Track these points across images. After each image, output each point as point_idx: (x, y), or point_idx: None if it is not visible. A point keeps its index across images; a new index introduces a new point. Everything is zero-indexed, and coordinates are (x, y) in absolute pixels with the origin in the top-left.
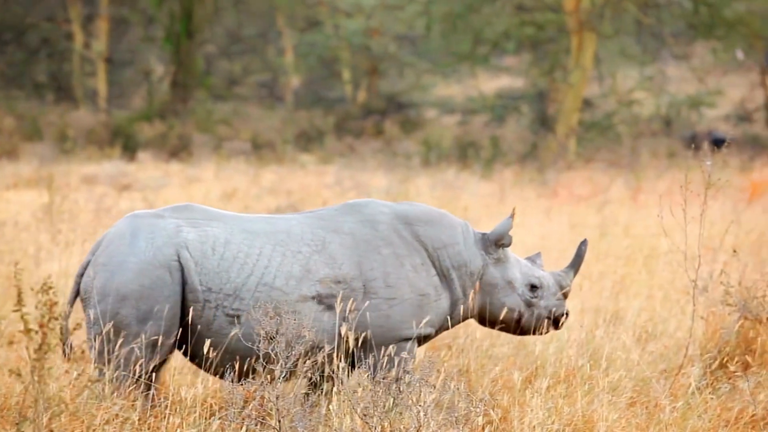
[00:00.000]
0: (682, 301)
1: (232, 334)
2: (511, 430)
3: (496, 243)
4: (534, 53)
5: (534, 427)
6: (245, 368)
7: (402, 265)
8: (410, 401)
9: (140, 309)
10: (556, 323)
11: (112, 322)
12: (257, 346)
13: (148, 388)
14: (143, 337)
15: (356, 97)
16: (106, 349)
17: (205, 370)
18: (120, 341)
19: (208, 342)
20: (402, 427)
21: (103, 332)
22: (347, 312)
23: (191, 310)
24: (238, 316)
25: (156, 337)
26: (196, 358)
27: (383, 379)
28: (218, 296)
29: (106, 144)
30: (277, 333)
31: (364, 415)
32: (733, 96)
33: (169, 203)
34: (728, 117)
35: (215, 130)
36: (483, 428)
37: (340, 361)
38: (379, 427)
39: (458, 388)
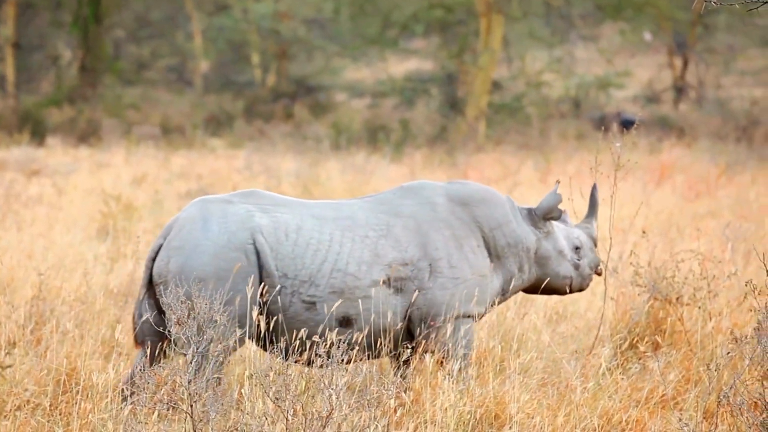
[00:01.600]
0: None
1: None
2: (423, 412)
3: (544, 217)
4: (443, 36)
5: (446, 408)
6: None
7: (461, 246)
8: (322, 384)
9: (217, 291)
10: (592, 276)
11: (190, 306)
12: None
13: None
14: (220, 319)
15: (266, 81)
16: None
17: (276, 355)
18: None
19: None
20: (314, 410)
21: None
22: (415, 293)
23: (267, 294)
24: (314, 303)
25: (239, 319)
26: (267, 342)
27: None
28: (294, 282)
29: (14, 129)
30: (188, 317)
31: (276, 399)
32: (641, 77)
33: (79, 189)
34: (636, 98)
35: (124, 115)
36: (395, 411)
37: (252, 343)
38: (292, 410)
39: (370, 371)
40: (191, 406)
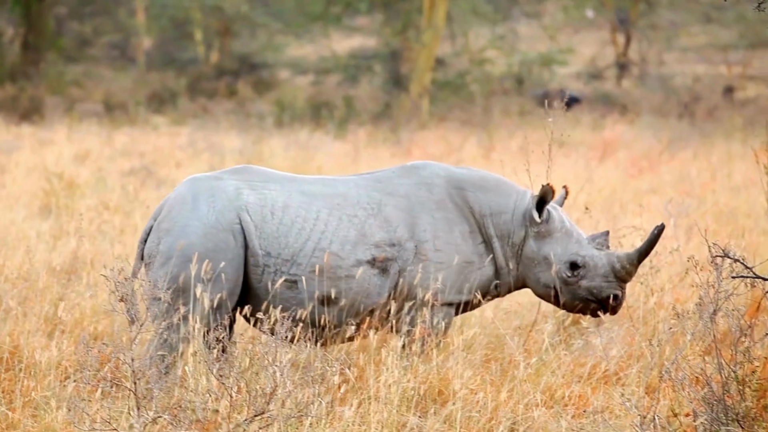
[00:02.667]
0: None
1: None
2: (367, 388)
3: (525, 217)
4: (386, 13)
5: (390, 385)
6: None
7: (451, 230)
8: (266, 361)
9: (202, 270)
10: (604, 306)
11: (178, 286)
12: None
13: (223, 350)
14: (206, 298)
15: (209, 58)
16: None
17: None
18: (179, 303)
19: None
20: (258, 387)
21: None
22: (399, 274)
23: (251, 274)
24: (296, 281)
25: (219, 300)
26: (256, 321)
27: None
28: (277, 261)
29: None
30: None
31: (220, 376)
32: (584, 54)
33: (21, 166)
34: (580, 75)
35: (67, 92)
36: (339, 387)
37: (196, 322)
38: (236, 387)
39: (314, 348)
40: (135, 383)
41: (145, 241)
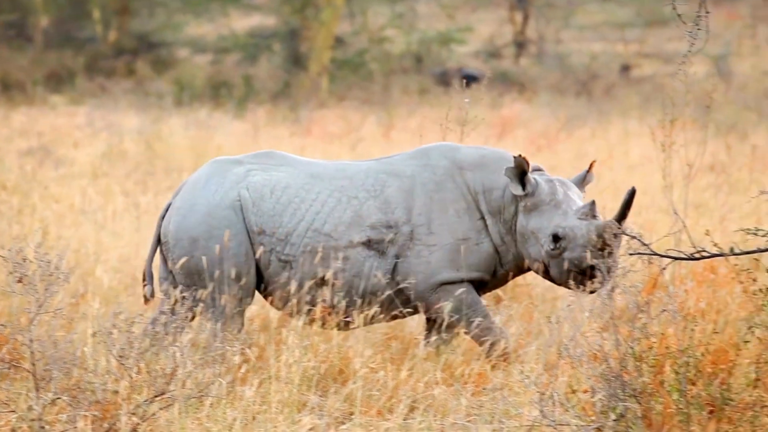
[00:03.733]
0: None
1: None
2: (268, 368)
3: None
4: None
5: (290, 364)
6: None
7: (446, 210)
8: (166, 342)
9: (210, 249)
10: (587, 276)
11: (188, 265)
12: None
13: (240, 326)
14: (218, 276)
15: (107, 37)
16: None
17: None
18: (197, 282)
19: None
20: (158, 367)
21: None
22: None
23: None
24: (289, 261)
25: (233, 277)
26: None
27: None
28: (271, 240)
29: None
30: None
31: (120, 357)
32: (482, 32)
33: None
34: (478, 53)
35: None
36: (240, 367)
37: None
38: (136, 368)
39: (215, 328)
40: (33, 364)
41: (163, 218)
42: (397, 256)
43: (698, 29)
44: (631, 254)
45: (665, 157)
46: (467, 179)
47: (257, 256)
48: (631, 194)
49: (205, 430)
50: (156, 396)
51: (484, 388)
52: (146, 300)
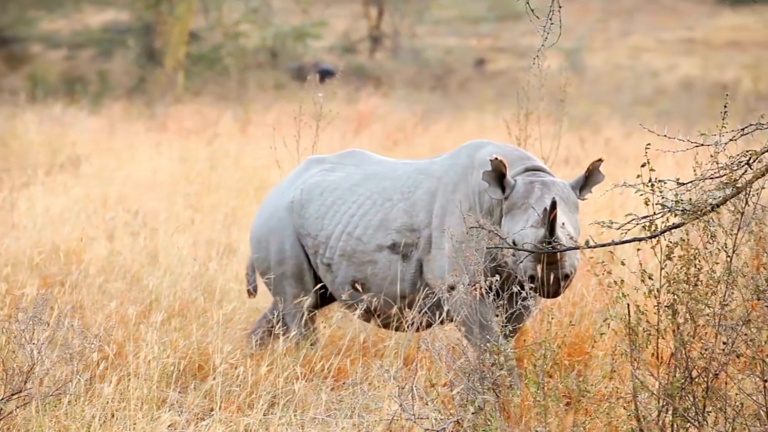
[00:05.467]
0: None
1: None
2: (127, 365)
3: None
4: None
5: (149, 361)
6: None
7: (454, 212)
8: (23, 339)
9: (271, 250)
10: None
11: (258, 264)
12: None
13: (311, 323)
14: (283, 277)
15: None
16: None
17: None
18: (269, 282)
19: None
20: (15, 365)
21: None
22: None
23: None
24: (330, 264)
25: (292, 278)
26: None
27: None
28: (315, 242)
29: None
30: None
31: None
32: (337, 27)
33: None
34: (333, 48)
35: None
36: (98, 364)
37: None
38: None
39: (72, 325)
40: None
41: None
42: (420, 260)
43: (551, 23)
44: (488, 248)
45: None
46: (475, 179)
47: (312, 258)
48: (553, 204)
49: (64, 428)
50: (13, 394)
51: (343, 383)
52: (250, 294)
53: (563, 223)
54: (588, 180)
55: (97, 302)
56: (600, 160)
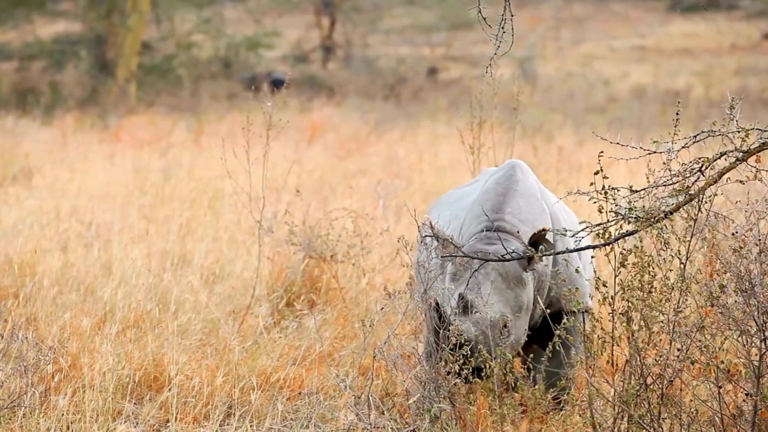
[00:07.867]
0: (248, 242)
1: None
2: (82, 377)
3: None
4: None
5: (104, 373)
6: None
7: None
8: None
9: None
10: None
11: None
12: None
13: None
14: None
15: None
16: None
17: None
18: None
19: None
20: None
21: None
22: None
23: None
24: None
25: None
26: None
27: None
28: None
29: None
30: None
31: None
32: (289, 37)
33: None
34: (286, 58)
35: None
36: (53, 376)
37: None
38: None
39: (26, 337)
40: None
41: None
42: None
43: (503, 32)
44: (443, 257)
45: (474, 159)
46: None
47: None
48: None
49: None
50: None
51: (299, 393)
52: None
53: (477, 311)
54: (534, 249)
55: (51, 314)
56: (544, 230)
